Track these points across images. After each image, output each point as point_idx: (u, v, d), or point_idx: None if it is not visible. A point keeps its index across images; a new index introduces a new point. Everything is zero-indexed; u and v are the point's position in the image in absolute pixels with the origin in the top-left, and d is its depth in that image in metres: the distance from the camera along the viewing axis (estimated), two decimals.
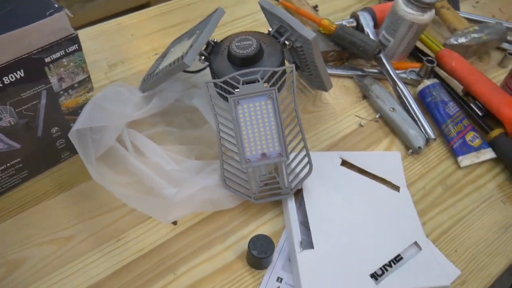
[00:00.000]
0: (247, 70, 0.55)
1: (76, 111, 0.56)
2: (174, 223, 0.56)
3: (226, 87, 0.55)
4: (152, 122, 0.64)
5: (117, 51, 0.74)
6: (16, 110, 0.49)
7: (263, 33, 0.61)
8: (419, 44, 0.79)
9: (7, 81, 0.46)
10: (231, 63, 0.58)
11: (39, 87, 0.50)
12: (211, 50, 0.60)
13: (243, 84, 0.55)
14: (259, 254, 0.51)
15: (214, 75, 0.59)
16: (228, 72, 0.57)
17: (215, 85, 0.57)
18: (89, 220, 0.55)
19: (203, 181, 0.55)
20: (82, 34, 0.76)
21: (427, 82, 0.70)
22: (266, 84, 0.55)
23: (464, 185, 0.63)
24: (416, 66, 0.75)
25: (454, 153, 0.65)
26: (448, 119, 0.67)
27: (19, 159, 0.54)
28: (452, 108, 0.68)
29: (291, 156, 0.56)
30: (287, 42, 0.60)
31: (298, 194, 0.58)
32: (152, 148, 0.60)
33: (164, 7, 0.82)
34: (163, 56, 0.68)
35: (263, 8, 0.62)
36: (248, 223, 0.56)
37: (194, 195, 0.53)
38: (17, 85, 0.47)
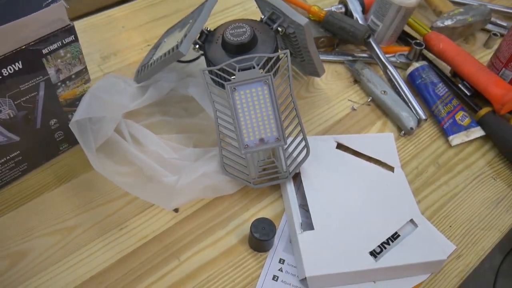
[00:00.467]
0: (242, 57, 0.56)
1: (73, 103, 0.56)
2: (176, 210, 0.56)
3: (222, 74, 0.56)
4: (148, 113, 0.65)
5: (109, 43, 0.74)
6: (15, 103, 0.50)
7: (255, 20, 0.62)
8: (407, 28, 0.80)
9: (5, 73, 0.46)
10: (225, 51, 0.59)
11: (37, 78, 0.50)
12: (205, 38, 0.61)
13: (239, 70, 0.56)
14: (261, 236, 0.52)
15: (209, 63, 0.60)
16: (223, 59, 0.58)
17: (211, 72, 0.58)
18: (91, 210, 0.55)
19: (202, 168, 0.56)
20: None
21: (416, 65, 0.72)
22: (261, 70, 0.56)
23: (456, 163, 0.65)
24: (404, 49, 0.76)
25: (445, 133, 0.67)
26: (438, 100, 0.69)
27: (19, 151, 0.54)
28: (441, 89, 0.69)
29: (288, 141, 0.57)
30: (279, 29, 0.60)
31: (296, 178, 0.60)
32: (150, 138, 0.60)
33: None
34: (156, 47, 0.69)
35: None
36: (248, 208, 0.58)
37: (195, 182, 0.54)
38: (15, 77, 0.48)
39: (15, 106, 0.50)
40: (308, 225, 0.55)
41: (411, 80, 0.72)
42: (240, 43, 0.57)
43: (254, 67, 0.55)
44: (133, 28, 0.77)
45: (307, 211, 0.56)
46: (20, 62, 0.47)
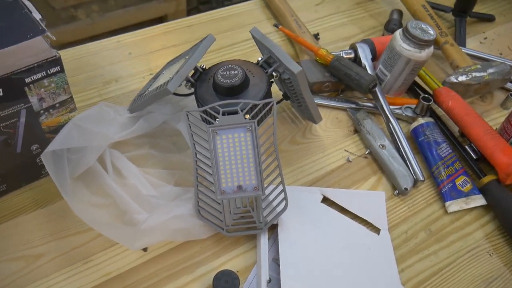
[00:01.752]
0: (227, 101, 0.55)
1: (57, 130, 0.56)
2: (144, 249, 0.55)
3: (206, 116, 0.55)
4: (137, 144, 0.64)
5: (113, 69, 0.75)
6: None
7: (251, 62, 0.60)
8: (420, 80, 0.77)
9: None
10: (215, 92, 0.58)
11: (19, 106, 0.50)
12: (198, 76, 0.60)
13: (223, 114, 0.54)
14: None
15: (198, 102, 0.59)
16: (211, 100, 0.57)
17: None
18: (60, 239, 0.55)
19: (176, 209, 0.54)
20: (83, 49, 0.77)
21: (421, 121, 0.68)
22: (247, 116, 0.54)
23: (450, 232, 0.60)
24: (413, 102, 0.73)
25: (443, 197, 0.63)
26: (440, 161, 0.65)
27: None
28: (445, 149, 0.65)
29: (269, 189, 0.55)
30: (274, 74, 0.59)
31: (274, 229, 0.57)
32: (132, 171, 0.59)
33: (164, 27, 0.82)
34: (155, 77, 0.69)
35: (254, 37, 0.62)
36: (219, 255, 0.55)
37: (165, 223, 0.53)
38: None
39: None
40: (278, 281, 0.52)
41: (414, 136, 0.68)
42: (230, 86, 0.56)
43: (238, 112, 0.54)
44: (139, 55, 0.77)
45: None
46: (1, 89, 0.47)
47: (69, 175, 0.54)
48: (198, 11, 1.85)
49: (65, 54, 0.76)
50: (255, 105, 0.54)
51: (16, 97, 0.49)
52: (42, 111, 0.53)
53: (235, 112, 0.54)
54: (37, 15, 0.50)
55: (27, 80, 0.49)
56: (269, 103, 0.55)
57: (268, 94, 0.58)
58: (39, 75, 0.50)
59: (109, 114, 0.61)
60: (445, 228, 0.61)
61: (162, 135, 0.66)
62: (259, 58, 0.61)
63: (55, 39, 0.49)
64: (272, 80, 0.60)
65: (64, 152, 0.54)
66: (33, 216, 0.56)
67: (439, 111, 0.73)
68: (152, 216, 0.52)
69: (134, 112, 0.63)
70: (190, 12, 1.81)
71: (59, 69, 0.51)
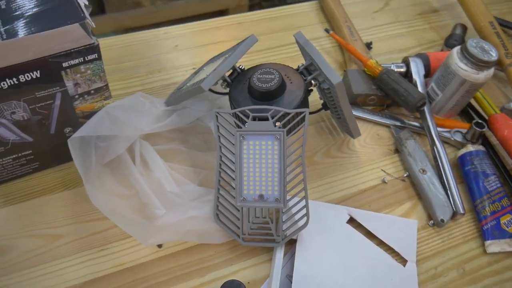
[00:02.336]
0: (259, 107, 0.53)
1: (90, 116, 0.57)
2: (159, 246, 0.55)
3: (235, 120, 0.54)
4: (168, 137, 0.64)
5: (158, 60, 0.75)
6: (30, 107, 0.51)
7: (291, 67, 0.58)
8: (475, 102, 0.71)
9: (22, 79, 0.48)
10: (250, 95, 0.56)
11: (54, 89, 0.51)
12: (236, 77, 0.59)
13: (253, 119, 0.53)
14: None
15: (231, 104, 0.57)
16: (244, 103, 0.55)
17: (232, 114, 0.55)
18: (81, 223, 0.56)
19: (194, 210, 0.53)
20: (133, 37, 0.78)
21: (470, 148, 0.63)
22: (278, 124, 0.52)
23: (486, 274, 0.55)
24: (464, 126, 0.67)
25: (483, 235, 0.57)
26: (485, 194, 0.59)
27: (31, 151, 0.56)
28: (493, 182, 0.60)
29: (292, 202, 0.52)
30: (313, 82, 0.56)
31: (292, 244, 0.55)
32: (158, 165, 0.59)
33: (214, 22, 0.82)
34: (196, 72, 0.68)
35: (297, 42, 0.59)
36: (232, 263, 0.54)
37: (180, 223, 0.52)
38: (32, 85, 0.49)
39: (29, 110, 0.51)
40: None
41: (460, 164, 0.63)
42: (264, 90, 0.54)
43: (268, 119, 0.52)
44: (185, 48, 0.77)
45: None
46: (38, 71, 0.48)
47: (96, 162, 0.55)
48: (260, 7, 1.84)
49: (116, 41, 0.77)
50: (287, 113, 0.52)
51: (52, 80, 0.50)
52: (77, 96, 0.54)
53: (266, 119, 0.52)
54: (82, 0, 0.51)
55: (64, 64, 0.50)
56: (302, 112, 0.52)
57: (304, 103, 0.55)
58: (76, 61, 0.50)
59: (144, 105, 0.61)
60: (481, 269, 0.55)
61: (194, 132, 0.65)
62: (300, 64, 0.59)
63: (94, 26, 0.49)
64: (311, 88, 0.58)
65: (93, 139, 0.55)
66: (59, 196, 0.58)
67: (493, 140, 0.67)
68: (168, 214, 0.51)
69: (170, 106, 0.62)
70: (252, 7, 1.80)
71: (97, 56, 0.51)
